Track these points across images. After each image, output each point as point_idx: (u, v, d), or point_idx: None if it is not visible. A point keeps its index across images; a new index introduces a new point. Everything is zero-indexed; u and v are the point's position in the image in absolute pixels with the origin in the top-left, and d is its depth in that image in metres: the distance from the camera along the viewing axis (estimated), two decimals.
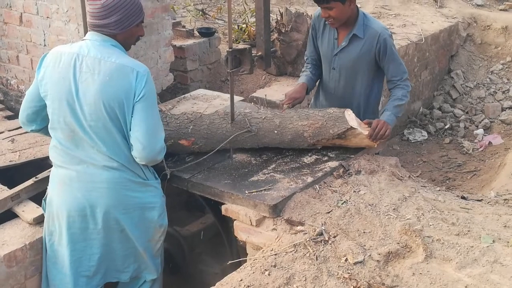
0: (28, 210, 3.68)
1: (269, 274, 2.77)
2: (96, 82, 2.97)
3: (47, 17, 4.87)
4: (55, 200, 3.22)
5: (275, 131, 3.55)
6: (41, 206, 3.69)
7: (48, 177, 3.92)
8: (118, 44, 3.08)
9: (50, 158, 3.25)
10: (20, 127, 4.97)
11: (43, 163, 4.29)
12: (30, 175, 3.93)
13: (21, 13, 5.10)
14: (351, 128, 3.57)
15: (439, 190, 3.67)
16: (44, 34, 4.96)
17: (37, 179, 3.86)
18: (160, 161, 3.20)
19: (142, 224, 3.22)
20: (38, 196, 3.85)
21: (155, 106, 3.09)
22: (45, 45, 4.99)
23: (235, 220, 3.29)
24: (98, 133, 3.03)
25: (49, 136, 3.26)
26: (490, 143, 7.26)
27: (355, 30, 3.80)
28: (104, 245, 3.22)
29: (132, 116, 3.01)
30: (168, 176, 3.41)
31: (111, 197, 3.11)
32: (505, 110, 7.77)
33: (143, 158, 3.08)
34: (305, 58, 4.26)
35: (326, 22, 3.87)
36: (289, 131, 3.57)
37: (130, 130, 3.03)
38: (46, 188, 3.94)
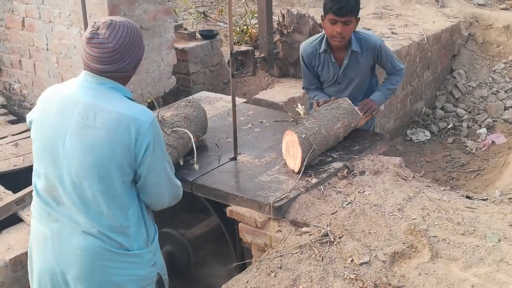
0: None
1: (275, 276, 2.77)
2: (89, 135, 2.46)
3: (50, 21, 4.89)
4: (33, 256, 2.77)
5: (324, 142, 3.57)
6: None
7: None
8: (117, 85, 2.54)
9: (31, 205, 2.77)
10: (24, 131, 5.00)
11: None
12: None
13: (23, 17, 5.11)
14: (360, 117, 3.85)
15: (444, 190, 3.67)
16: (47, 39, 4.98)
17: None
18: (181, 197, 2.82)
19: None
20: None
21: (165, 154, 2.64)
22: (47, 49, 5.01)
23: (239, 222, 3.28)
24: (81, 193, 2.51)
25: None
26: (493, 142, 7.25)
27: (352, 46, 3.96)
28: None
29: (140, 174, 2.55)
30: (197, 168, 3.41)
31: (85, 267, 2.58)
32: (508, 109, 7.76)
33: (171, 203, 2.77)
34: (305, 90, 4.40)
35: (320, 51, 4.00)
36: (331, 137, 3.64)
37: (142, 187, 2.60)
38: None
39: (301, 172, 3.39)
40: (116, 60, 2.48)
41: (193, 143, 3.41)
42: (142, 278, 2.70)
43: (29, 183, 3.88)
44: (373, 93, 4.17)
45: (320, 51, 4.00)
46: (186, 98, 4.41)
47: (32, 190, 3.70)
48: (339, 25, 3.77)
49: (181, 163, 3.56)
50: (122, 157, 2.46)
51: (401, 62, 4.27)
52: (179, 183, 2.76)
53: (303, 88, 4.42)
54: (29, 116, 2.69)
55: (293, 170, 3.47)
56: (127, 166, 2.49)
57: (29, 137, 4.88)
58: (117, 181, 2.50)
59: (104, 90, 2.51)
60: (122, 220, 2.57)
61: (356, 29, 3.99)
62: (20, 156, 4.48)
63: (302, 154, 3.40)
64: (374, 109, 4.06)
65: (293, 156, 3.47)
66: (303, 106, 3.70)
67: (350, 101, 3.82)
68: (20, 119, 5.46)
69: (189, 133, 3.48)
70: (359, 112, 3.84)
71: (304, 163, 3.39)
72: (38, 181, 2.64)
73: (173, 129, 3.50)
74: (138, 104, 2.58)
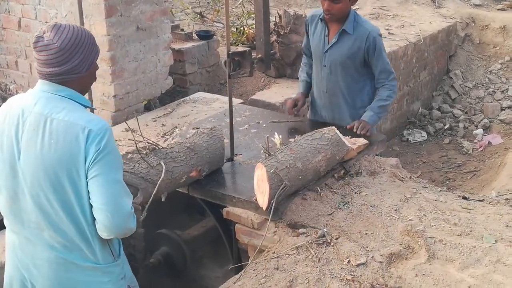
0: None
1: (271, 277, 2.77)
2: (39, 145, 2.40)
3: (46, 22, 4.87)
4: (6, 262, 2.75)
5: (300, 177, 3.20)
6: None
7: None
8: (74, 93, 2.46)
9: None
10: None
11: None
12: None
13: (20, 18, 5.10)
14: (348, 148, 3.50)
15: (440, 190, 3.67)
16: None
17: None
18: (132, 231, 2.55)
19: None
20: None
21: (115, 169, 2.47)
22: None
23: (236, 223, 3.28)
24: (40, 205, 2.46)
25: None
26: (489, 143, 7.26)
27: (345, 26, 3.90)
28: None
29: (88, 184, 2.42)
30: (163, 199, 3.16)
31: (51, 279, 2.55)
32: (504, 110, 7.78)
33: (114, 229, 2.46)
34: (302, 51, 4.37)
35: (320, 18, 3.97)
36: (310, 171, 3.27)
37: (90, 200, 2.44)
38: None
39: (271, 213, 3.03)
40: (64, 61, 2.41)
41: (154, 193, 3.03)
42: None
43: None
44: (365, 113, 3.97)
45: (320, 17, 4.00)
46: (182, 99, 4.33)
47: None
48: (327, 2, 3.80)
49: (163, 199, 3.21)
50: (71, 166, 2.39)
51: (393, 70, 4.05)
52: (125, 211, 2.47)
53: (302, 48, 4.39)
54: None
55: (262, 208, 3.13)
56: (77, 176, 2.41)
57: None
58: (72, 192, 2.43)
59: (59, 98, 2.44)
60: (83, 232, 2.49)
61: (358, 15, 3.98)
62: None
63: (270, 191, 3.02)
64: (368, 129, 3.84)
65: (262, 192, 3.09)
66: (280, 136, 3.37)
67: (337, 131, 3.47)
68: None
69: (163, 166, 3.13)
70: (347, 143, 3.48)
71: (273, 201, 3.03)
72: (1, 195, 2.58)
73: (159, 162, 3.17)
74: (92, 114, 2.53)
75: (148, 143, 3.28)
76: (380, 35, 4.00)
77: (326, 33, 3.98)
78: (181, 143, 3.41)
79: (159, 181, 3.06)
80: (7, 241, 2.67)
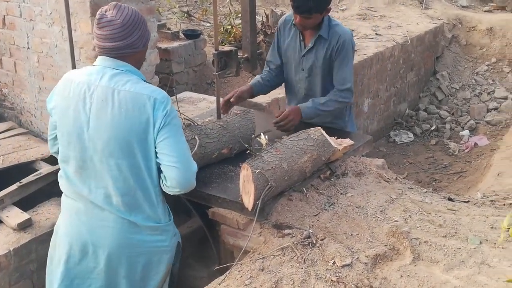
0: (12, 216, 3.64)
1: (256, 278, 2.75)
2: (110, 114, 2.67)
3: (31, 20, 4.83)
4: (61, 228, 2.98)
5: (285, 177, 3.18)
6: (25, 211, 3.65)
7: (33, 181, 3.89)
8: (132, 68, 2.77)
9: (59, 185, 2.97)
10: (4, 131, 4.94)
11: (28, 168, 4.25)
12: (14, 179, 3.89)
13: (4, 15, 5.04)
14: (334, 149, 3.47)
15: (426, 192, 3.67)
16: (28, 37, 4.91)
17: (21, 184, 3.82)
18: (193, 187, 2.89)
19: (148, 270, 2.95)
20: (22, 201, 3.81)
21: (180, 132, 2.80)
22: (28, 47, 4.94)
23: (222, 224, 3.26)
24: (110, 170, 2.74)
25: None
26: (476, 144, 7.30)
27: (321, 31, 3.86)
28: (103, 286, 2.95)
29: (157, 147, 2.72)
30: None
31: (117, 240, 2.84)
32: (490, 111, 7.83)
33: (182, 184, 2.78)
34: (266, 64, 4.24)
35: (293, 23, 3.92)
36: (295, 172, 3.25)
37: (158, 159, 2.75)
38: (31, 193, 3.91)
39: (257, 214, 3.00)
40: (126, 36, 2.69)
41: (196, 146, 3.29)
42: (168, 249, 2.99)
43: (9, 184, 3.86)
44: (306, 102, 3.88)
45: (293, 22, 3.92)
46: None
47: (11, 191, 3.69)
48: (298, 17, 3.76)
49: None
50: (141, 132, 2.67)
51: (351, 80, 3.92)
52: (194, 168, 2.84)
53: (265, 60, 4.24)
54: (48, 104, 2.88)
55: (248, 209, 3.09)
56: (146, 141, 2.69)
57: (10, 137, 4.83)
58: (140, 156, 2.72)
59: (120, 72, 2.72)
60: (149, 194, 2.81)
61: (333, 19, 3.93)
62: (0, 156, 4.42)
63: (255, 191, 3.00)
64: (292, 124, 3.76)
65: (248, 193, 3.07)
66: (266, 136, 3.31)
67: (323, 131, 3.44)
68: (0, 118, 5.39)
69: (198, 140, 3.34)
70: (333, 144, 3.44)
71: (259, 202, 3.00)
72: (67, 165, 2.85)
73: (194, 137, 3.35)
74: (152, 85, 2.78)
75: (185, 119, 3.51)
76: (351, 40, 3.92)
77: (302, 38, 3.95)
78: (215, 121, 3.59)
79: (191, 153, 3.20)
80: (67, 209, 2.93)
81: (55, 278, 2.98)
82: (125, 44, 2.70)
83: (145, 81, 2.80)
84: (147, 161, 2.74)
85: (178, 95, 5.45)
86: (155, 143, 2.71)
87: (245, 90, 4.05)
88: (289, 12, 4.24)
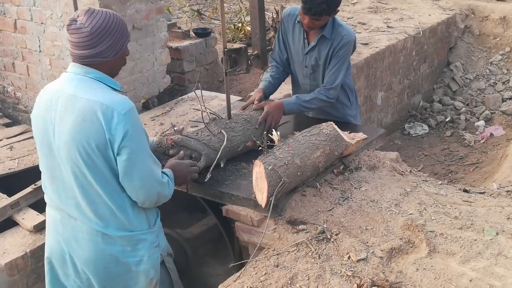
0: (28, 218, 3.67)
1: (271, 275, 2.75)
2: (70, 123, 2.55)
3: (42, 23, 4.86)
4: (46, 237, 2.92)
5: (298, 173, 3.17)
6: (40, 213, 3.67)
7: None
8: (103, 75, 2.63)
9: None
10: (18, 134, 4.98)
11: None
12: (29, 182, 3.92)
13: (15, 19, 5.09)
14: (347, 144, 3.45)
15: (441, 184, 3.65)
16: (39, 40, 4.95)
17: (36, 186, 3.85)
18: (167, 198, 2.81)
19: (125, 280, 2.81)
20: (37, 203, 3.83)
21: (141, 144, 2.62)
22: (40, 51, 4.98)
23: (236, 221, 3.26)
24: (77, 180, 2.62)
25: None
26: (491, 134, 7.23)
27: (324, 31, 3.85)
28: None
29: (117, 163, 2.59)
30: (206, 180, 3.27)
31: (91, 251, 2.72)
32: (505, 101, 7.74)
33: (148, 204, 2.73)
34: (270, 59, 4.20)
35: (298, 20, 3.90)
36: (308, 167, 3.24)
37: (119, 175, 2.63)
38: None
39: (270, 210, 3.01)
40: (93, 45, 2.56)
41: (219, 154, 3.31)
42: (146, 259, 2.79)
43: (24, 186, 3.89)
44: (290, 98, 3.92)
45: (297, 20, 3.92)
46: (180, 97, 4.31)
47: (26, 193, 3.72)
48: (308, 18, 3.74)
49: (222, 165, 3.46)
50: (98, 142, 2.53)
51: (338, 81, 3.86)
52: (164, 180, 2.76)
53: (270, 56, 4.19)
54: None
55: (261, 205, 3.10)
56: (105, 151, 2.55)
57: (24, 140, 4.87)
58: (103, 166, 2.58)
59: (88, 80, 2.60)
60: (119, 201, 2.66)
61: (338, 20, 3.91)
62: (15, 159, 4.45)
63: (268, 188, 2.99)
64: (275, 121, 3.71)
65: (261, 190, 3.07)
66: (278, 133, 3.34)
67: (335, 126, 3.43)
68: (15, 122, 5.43)
69: (225, 134, 3.40)
70: (345, 138, 3.41)
71: (272, 199, 3.00)
72: (43, 175, 2.78)
73: (220, 131, 3.42)
74: (118, 94, 2.63)
75: (211, 113, 3.59)
76: (353, 42, 3.91)
77: (305, 36, 3.95)
78: (239, 115, 3.66)
79: (221, 148, 3.32)
80: (49, 218, 2.85)
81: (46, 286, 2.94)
82: (93, 53, 2.57)
83: (117, 90, 2.67)
84: (113, 170, 2.61)
85: (190, 94, 5.46)
86: (115, 156, 2.58)
87: (261, 97, 3.96)
88: (293, 5, 4.21)
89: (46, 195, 2.82)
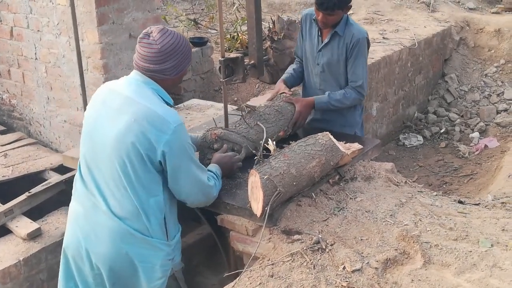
0: (22, 226, 3.66)
1: (266, 285, 2.74)
2: (121, 122, 2.73)
3: (38, 31, 4.86)
4: (65, 232, 3.03)
5: (294, 183, 3.17)
6: (34, 221, 3.66)
7: (42, 191, 3.90)
8: (160, 89, 2.83)
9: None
10: (13, 142, 4.96)
11: (36, 178, 4.27)
12: (23, 190, 3.91)
13: (12, 27, 5.08)
14: (342, 154, 3.45)
15: (436, 195, 3.65)
16: (35, 48, 4.94)
17: (30, 193, 3.84)
18: (215, 198, 3.13)
19: (132, 283, 2.93)
20: (31, 211, 3.82)
21: (189, 159, 2.84)
22: (36, 58, 4.97)
23: (231, 230, 3.25)
24: (112, 176, 2.79)
25: None
26: (486, 146, 7.25)
27: (337, 28, 3.98)
28: None
29: (163, 170, 2.81)
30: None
31: (109, 247, 2.83)
32: (500, 113, 7.77)
33: (193, 205, 3.10)
34: (294, 53, 4.45)
35: (313, 18, 4.05)
36: (304, 177, 3.24)
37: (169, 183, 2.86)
38: (40, 202, 3.93)
39: (266, 220, 3.00)
40: (160, 62, 2.76)
41: (263, 140, 3.41)
42: (157, 269, 2.90)
43: (18, 194, 3.87)
44: (322, 95, 4.01)
45: (313, 18, 4.07)
46: (176, 106, 4.34)
47: (20, 201, 3.71)
48: (321, 14, 3.87)
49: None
50: (143, 145, 2.70)
51: (365, 80, 4.03)
52: (211, 183, 3.03)
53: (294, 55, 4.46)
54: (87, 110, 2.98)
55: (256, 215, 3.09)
56: (146, 155, 2.72)
57: (18, 147, 4.85)
58: (140, 167, 2.74)
59: (146, 88, 2.79)
60: (145, 206, 2.80)
61: (351, 19, 4.04)
62: (9, 166, 4.44)
63: (264, 198, 2.99)
64: (305, 118, 3.97)
65: (256, 199, 3.06)
66: (274, 142, 3.36)
67: (331, 136, 3.44)
68: (9, 129, 5.42)
69: (263, 127, 3.55)
70: (341, 148, 3.43)
71: (267, 208, 3.00)
72: (81, 165, 2.92)
73: (256, 123, 3.61)
74: (171, 108, 2.83)
75: (246, 106, 3.76)
76: (366, 38, 4.03)
77: (320, 34, 4.07)
78: (270, 106, 3.84)
79: (263, 141, 3.38)
80: (70, 213, 2.97)
81: (59, 280, 3.04)
82: (157, 69, 2.77)
83: (169, 105, 2.85)
84: (146, 175, 2.78)
85: (186, 103, 5.46)
86: (155, 161, 2.76)
87: (284, 87, 4.16)
88: (289, 15, 4.32)
89: (75, 189, 2.95)
